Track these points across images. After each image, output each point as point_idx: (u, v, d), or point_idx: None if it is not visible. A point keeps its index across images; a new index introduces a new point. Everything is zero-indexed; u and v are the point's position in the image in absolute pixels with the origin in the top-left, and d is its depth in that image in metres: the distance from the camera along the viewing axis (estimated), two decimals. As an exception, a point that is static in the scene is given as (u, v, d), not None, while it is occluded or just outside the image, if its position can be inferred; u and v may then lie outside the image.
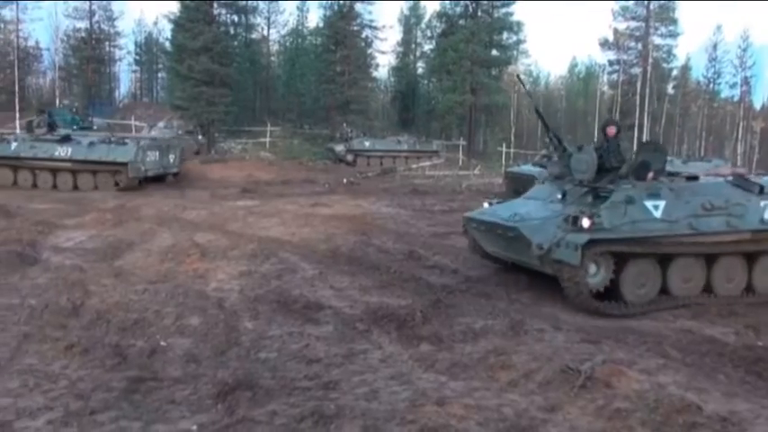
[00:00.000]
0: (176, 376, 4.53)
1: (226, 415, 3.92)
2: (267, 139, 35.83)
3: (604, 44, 45.60)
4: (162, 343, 5.18)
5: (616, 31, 44.73)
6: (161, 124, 29.40)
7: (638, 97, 40.94)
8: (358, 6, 38.97)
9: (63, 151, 15.21)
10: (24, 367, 4.58)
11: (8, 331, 5.29)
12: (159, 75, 53.95)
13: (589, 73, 59.23)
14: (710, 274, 6.98)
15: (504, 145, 36.41)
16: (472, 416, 3.95)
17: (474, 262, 8.71)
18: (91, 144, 15.35)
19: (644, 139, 39.84)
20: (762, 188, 7.15)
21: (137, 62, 53.99)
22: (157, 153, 15.71)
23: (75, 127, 23.17)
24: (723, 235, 6.81)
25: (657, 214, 6.59)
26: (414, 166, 28.24)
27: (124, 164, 14.78)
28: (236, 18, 38.50)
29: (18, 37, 42.03)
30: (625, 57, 44.81)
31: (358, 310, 6.35)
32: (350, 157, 28.98)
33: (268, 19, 48.31)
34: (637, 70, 43.63)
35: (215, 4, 33.28)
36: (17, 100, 33.18)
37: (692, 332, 5.94)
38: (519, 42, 43.60)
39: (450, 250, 9.57)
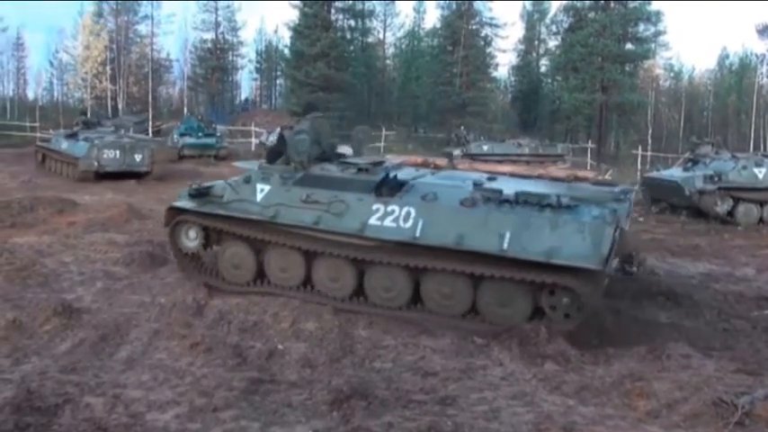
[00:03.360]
0: (293, 380, 4.62)
1: (341, 423, 3.91)
2: (382, 144, 36.05)
3: (763, 31, 40.78)
4: (279, 346, 5.27)
5: (778, 15, 40.06)
6: (278, 130, 30.49)
7: (806, 91, 36.38)
8: (477, 4, 38.31)
9: (62, 146, 18.10)
10: (155, 362, 4.88)
11: (141, 327, 5.62)
12: (278, 82, 56.01)
13: (743, 65, 52.22)
14: (311, 270, 6.51)
15: (639, 148, 33.81)
16: (606, 447, 3.52)
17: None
18: (76, 141, 17.70)
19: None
20: (380, 187, 6.07)
21: (257, 70, 56.53)
22: (117, 152, 17.26)
23: (200, 134, 24.96)
24: (317, 232, 6.26)
25: (258, 198, 6.56)
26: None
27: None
28: (352, 23, 39.34)
29: (152, 50, 45.78)
30: (790, 44, 40.00)
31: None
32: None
33: (384, 22, 49.18)
34: (804, 60, 38.90)
35: (332, 10, 34.14)
36: (150, 109, 36.06)
37: None
38: (658, 34, 39.97)
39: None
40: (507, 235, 5.49)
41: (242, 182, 6.72)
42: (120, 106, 39.75)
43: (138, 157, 17.43)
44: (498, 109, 49.68)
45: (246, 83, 57.29)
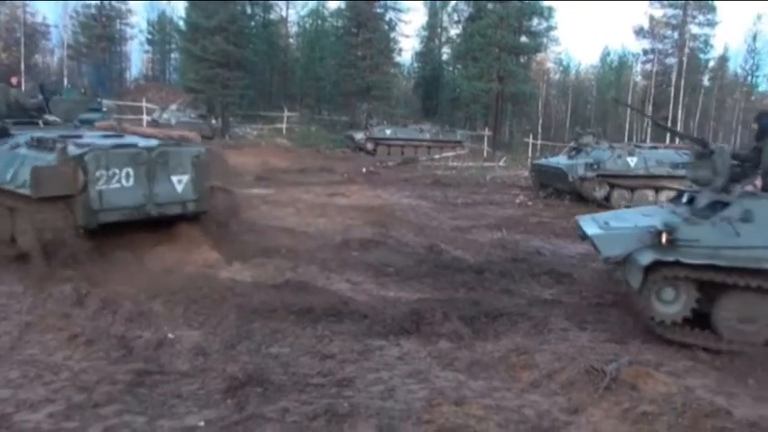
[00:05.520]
0: (184, 370, 4.41)
1: (235, 411, 3.80)
2: (284, 125, 35.58)
3: (639, 32, 44.34)
4: (170, 335, 4.95)
5: (652, 18, 43.50)
6: (173, 107, 28.69)
7: (672, 89, 39.78)
8: (382, -13, 38.31)
9: None
10: (25, 358, 4.49)
11: (10, 320, 5.15)
12: (172, 55, 52.69)
13: (622, 62, 56.69)
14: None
15: (530, 136, 35.63)
16: (492, 417, 3.82)
17: (497, 257, 8.54)
18: None
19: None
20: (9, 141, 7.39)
21: (149, 42, 52.79)
22: None
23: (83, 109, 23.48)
24: None
25: None
26: (436, 156, 27.77)
27: None
28: (253, -3, 37.89)
29: (25, 12, 41.55)
30: (660, 46, 43.60)
31: (375, 304, 6.16)
32: (370, 146, 28.59)
33: (287, -2, 47.76)
34: (672, 60, 42.41)
35: (231, -19, 32.63)
36: (23, 78, 32.97)
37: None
38: (549, 29, 42.07)
39: (472, 245, 9.37)
40: (12, 170, 6.69)
41: None
42: (-17, 74, 35.81)
43: None
44: (401, 94, 50.14)
45: (137, 55, 53.50)
